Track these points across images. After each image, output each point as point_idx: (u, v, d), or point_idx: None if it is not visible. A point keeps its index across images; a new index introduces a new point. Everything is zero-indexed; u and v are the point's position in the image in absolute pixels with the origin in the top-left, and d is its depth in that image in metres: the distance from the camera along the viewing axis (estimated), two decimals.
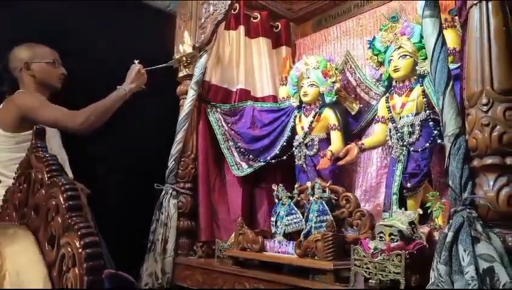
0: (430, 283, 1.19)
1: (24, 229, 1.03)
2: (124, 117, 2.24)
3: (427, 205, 1.67)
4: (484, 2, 1.22)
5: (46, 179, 1.01)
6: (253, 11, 2.86)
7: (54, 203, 0.94)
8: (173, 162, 2.39)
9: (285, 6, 2.97)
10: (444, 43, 1.34)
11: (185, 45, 2.43)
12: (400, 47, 2.00)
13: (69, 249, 0.84)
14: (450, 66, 1.34)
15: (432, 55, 1.33)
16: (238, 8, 2.72)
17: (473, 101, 1.22)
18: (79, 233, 0.81)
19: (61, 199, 0.91)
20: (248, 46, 2.79)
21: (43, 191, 1.02)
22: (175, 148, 2.39)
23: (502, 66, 1.18)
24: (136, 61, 2.14)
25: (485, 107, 1.18)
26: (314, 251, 1.63)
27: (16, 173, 1.27)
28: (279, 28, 2.98)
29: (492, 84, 1.18)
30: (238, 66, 2.71)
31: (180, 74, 2.55)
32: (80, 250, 0.79)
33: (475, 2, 1.25)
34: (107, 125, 2.04)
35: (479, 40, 1.23)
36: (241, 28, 2.75)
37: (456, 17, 1.85)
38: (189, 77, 2.51)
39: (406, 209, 1.74)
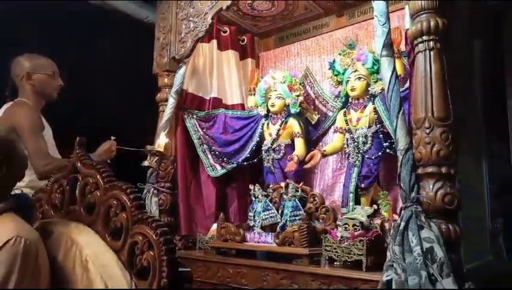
0: (387, 260, 1.58)
1: (81, 224, 1.26)
2: (110, 122, 2.45)
3: (379, 201, 2.09)
4: (428, 51, 1.64)
5: (102, 183, 1.25)
6: (223, 25, 3.15)
7: (115, 202, 1.20)
8: (154, 164, 2.62)
9: (252, 22, 3.27)
10: (396, 77, 1.74)
11: (159, 142, 2.55)
12: (355, 70, 2.41)
13: (140, 237, 1.11)
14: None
15: (388, 87, 1.72)
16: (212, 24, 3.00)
17: (419, 124, 1.64)
18: (153, 225, 1.08)
19: (127, 199, 1.16)
20: (219, 58, 3.08)
21: (99, 193, 1.26)
22: (155, 156, 2.62)
23: (439, 100, 1.60)
24: (113, 138, 2.30)
25: (428, 129, 1.60)
26: (292, 240, 1.98)
27: (52, 177, 1.48)
28: (245, 41, 3.29)
29: (433, 112, 1.60)
30: (211, 76, 2.99)
31: (161, 83, 2.78)
32: (156, 237, 1.06)
33: (421, 50, 1.66)
34: (95, 128, 2.22)
35: (423, 78, 1.65)
36: (214, 42, 3.04)
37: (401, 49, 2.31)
38: (168, 85, 2.75)
39: (359, 205, 2.16)
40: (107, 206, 1.22)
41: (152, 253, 1.07)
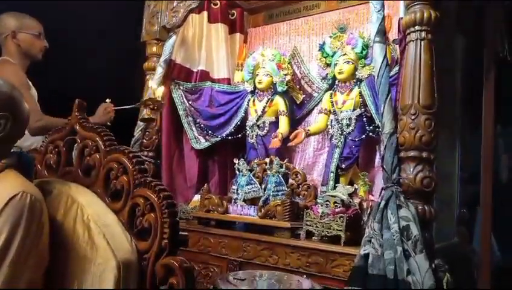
0: (365, 236, 1.68)
1: (79, 185, 1.28)
2: (96, 87, 2.43)
3: (359, 181, 2.19)
4: (419, 41, 1.72)
5: (103, 146, 1.28)
6: None
7: (116, 166, 1.23)
8: (139, 132, 2.63)
9: None
10: (387, 64, 1.82)
11: (152, 90, 2.38)
12: (345, 54, 2.47)
13: (142, 200, 1.15)
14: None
15: (378, 72, 1.80)
16: None
17: (405, 111, 1.72)
18: (156, 189, 1.12)
19: (129, 163, 1.20)
20: (208, 30, 3.06)
21: (98, 156, 1.28)
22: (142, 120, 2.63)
23: (426, 88, 1.69)
24: (108, 100, 2.29)
25: (413, 116, 1.69)
26: (274, 213, 2.07)
27: (46, 138, 1.48)
28: (235, 16, 3.28)
29: (419, 100, 1.69)
30: (200, 48, 2.99)
31: (149, 51, 2.76)
32: (159, 200, 1.11)
33: (413, 39, 1.74)
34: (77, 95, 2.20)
35: (412, 67, 1.73)
36: (205, 13, 3.02)
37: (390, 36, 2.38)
38: (157, 54, 2.74)
39: (338, 184, 2.27)
40: (107, 169, 1.25)
41: (154, 215, 1.11)
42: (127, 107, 2.37)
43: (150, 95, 2.32)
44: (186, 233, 1.67)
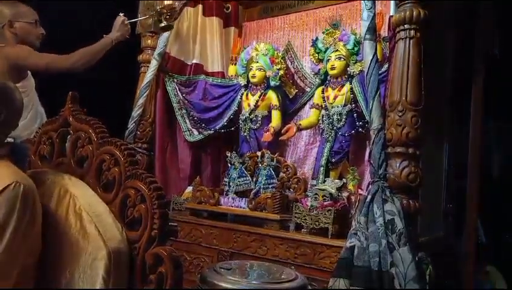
0: (351, 229, 1.73)
1: (73, 176, 1.32)
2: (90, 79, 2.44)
3: (347, 176, 2.24)
4: (408, 39, 1.75)
5: (96, 138, 1.31)
6: None
7: (108, 157, 1.26)
8: (133, 124, 2.66)
9: None
10: (376, 61, 1.85)
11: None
12: (337, 50, 2.50)
13: (133, 191, 1.18)
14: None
15: (368, 70, 1.83)
16: None
17: (392, 107, 1.76)
18: (147, 180, 1.16)
19: (120, 155, 1.23)
20: (203, 24, 3.08)
21: (91, 148, 1.31)
22: (136, 112, 2.66)
23: (413, 86, 1.73)
24: (121, 14, 2.34)
25: (400, 113, 1.73)
26: (264, 205, 2.11)
27: (39, 129, 1.51)
28: (230, 9, 3.29)
29: (407, 97, 1.73)
30: (194, 42, 3.01)
31: (144, 44, 2.78)
32: (149, 192, 1.14)
33: (402, 37, 1.77)
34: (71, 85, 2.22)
35: (401, 65, 1.77)
36: (200, 7, 3.03)
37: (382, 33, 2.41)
38: (151, 47, 2.76)
39: (328, 178, 2.31)
40: (99, 161, 1.28)
41: (144, 206, 1.15)
42: (142, 18, 2.40)
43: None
44: (176, 224, 1.69)
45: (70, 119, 1.39)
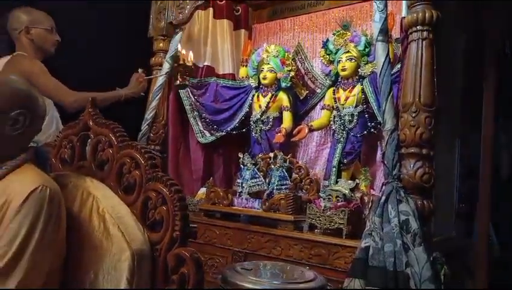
0: (366, 229, 1.74)
1: (94, 179, 1.35)
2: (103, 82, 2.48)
3: (360, 176, 2.25)
4: (420, 40, 1.76)
5: (116, 142, 1.34)
6: None
7: (129, 160, 1.29)
8: (146, 127, 2.69)
9: None
10: (389, 62, 1.87)
11: (182, 55, 2.39)
12: (348, 51, 2.52)
13: (154, 193, 1.21)
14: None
15: (381, 71, 1.85)
16: None
17: (406, 108, 1.78)
18: (168, 183, 1.18)
19: (141, 158, 1.26)
20: (214, 26, 3.11)
21: (111, 151, 1.34)
22: (149, 114, 2.69)
23: (427, 87, 1.74)
24: (140, 70, 2.36)
25: (414, 113, 1.74)
26: (278, 206, 2.13)
27: (60, 133, 1.54)
28: (240, 12, 3.32)
29: (420, 98, 1.74)
30: (205, 44, 3.03)
31: (156, 47, 2.81)
32: (170, 194, 1.17)
33: (415, 39, 1.78)
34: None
35: (414, 66, 1.78)
36: (210, 10, 3.06)
37: (392, 33, 2.42)
38: (163, 50, 2.79)
39: (340, 179, 2.33)
40: (120, 164, 1.31)
41: (165, 208, 1.17)
42: (158, 75, 2.42)
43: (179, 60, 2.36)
44: (196, 225, 1.72)
45: (91, 123, 1.42)
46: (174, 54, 2.72)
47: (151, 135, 2.72)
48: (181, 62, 2.30)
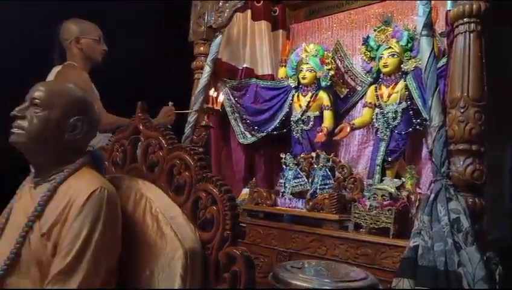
0: (414, 228, 1.71)
1: (146, 180, 1.40)
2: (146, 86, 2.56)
3: (406, 175, 2.21)
4: (468, 33, 1.71)
5: (166, 144, 1.38)
6: None
7: (179, 162, 1.33)
8: (189, 129, 2.76)
9: None
10: (434, 57, 1.82)
11: (212, 98, 2.54)
12: (389, 47, 2.47)
13: (204, 194, 1.24)
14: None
15: (426, 66, 1.81)
16: None
17: (453, 104, 1.73)
18: (217, 183, 1.21)
19: (191, 160, 1.29)
20: (252, 28, 3.14)
21: (161, 153, 1.39)
22: (192, 117, 2.75)
23: (475, 81, 1.69)
24: (170, 104, 2.44)
25: (462, 109, 1.69)
26: (322, 206, 2.13)
27: (112, 136, 1.62)
28: (277, 12, 3.33)
29: (468, 93, 1.69)
30: (244, 46, 3.08)
31: (196, 51, 2.88)
32: (220, 194, 1.20)
33: (461, 32, 1.73)
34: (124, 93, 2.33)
35: (461, 59, 1.73)
36: (248, 12, 3.10)
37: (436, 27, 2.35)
38: (204, 53, 2.85)
39: (385, 177, 2.29)
40: (170, 165, 1.35)
41: (216, 208, 1.20)
42: (187, 111, 2.50)
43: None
44: (244, 225, 1.75)
45: (141, 127, 1.48)
46: (214, 57, 2.78)
47: (194, 137, 2.78)
48: (209, 105, 2.46)
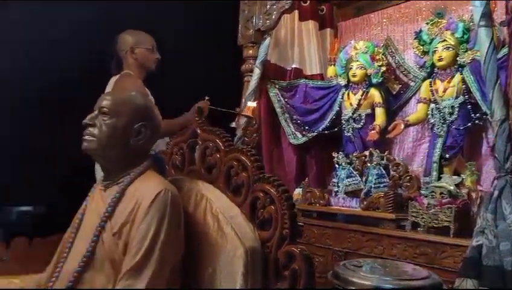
0: (477, 227, 1.65)
1: (205, 182, 1.45)
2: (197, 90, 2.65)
3: (466, 172, 2.12)
4: None
5: (223, 146, 1.43)
6: None
7: (236, 163, 1.37)
8: (241, 131, 2.81)
9: None
10: (494, 48, 1.74)
11: (247, 107, 2.74)
12: (444, 40, 2.39)
13: (262, 194, 1.28)
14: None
15: (485, 58, 1.73)
16: None
17: None
18: (275, 183, 1.24)
19: (248, 161, 1.33)
20: (299, 28, 3.14)
21: (219, 155, 1.44)
22: (243, 119, 2.81)
23: None
24: (206, 98, 2.48)
25: None
26: (377, 205, 2.10)
27: (170, 141, 1.69)
28: (324, 11, 3.32)
29: None
30: (292, 47, 3.09)
31: (245, 54, 2.93)
32: (278, 194, 1.22)
33: None
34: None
35: None
36: (296, 12, 3.11)
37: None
38: (253, 56, 2.90)
39: (443, 174, 2.22)
40: (228, 167, 1.39)
41: (274, 207, 1.23)
42: (222, 110, 2.56)
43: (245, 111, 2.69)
44: (302, 224, 1.77)
45: (198, 130, 1.54)
46: (263, 60, 2.82)
47: (246, 138, 2.83)
48: (245, 113, 2.67)
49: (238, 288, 1.15)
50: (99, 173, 1.91)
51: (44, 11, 2.90)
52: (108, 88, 2.38)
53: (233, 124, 2.66)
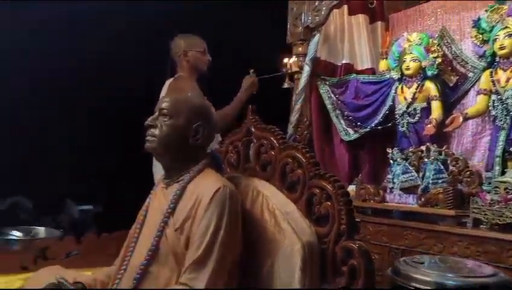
0: None
1: (261, 179, 1.48)
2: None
3: None
4: None
5: (277, 144, 1.45)
6: None
7: (291, 160, 1.39)
8: (292, 129, 2.83)
9: None
10: None
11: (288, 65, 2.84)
12: (506, 27, 2.27)
13: (318, 190, 1.28)
14: None
15: None
16: None
17: None
18: (331, 179, 1.25)
19: (303, 158, 1.34)
20: (349, 23, 3.10)
21: (274, 153, 1.46)
22: (293, 117, 2.82)
23: None
24: (251, 71, 2.54)
25: None
26: (436, 201, 2.03)
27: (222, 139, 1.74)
28: (374, 4, 3.24)
29: None
30: (342, 42, 3.05)
31: (295, 52, 2.94)
32: (334, 190, 1.23)
33: None
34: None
35: None
36: (345, 7, 3.07)
37: None
38: (302, 54, 2.90)
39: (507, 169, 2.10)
40: (283, 164, 1.42)
41: (330, 203, 1.24)
42: (268, 76, 2.65)
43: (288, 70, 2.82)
44: (359, 220, 1.76)
45: (252, 129, 1.57)
46: (313, 56, 2.81)
47: (297, 136, 2.84)
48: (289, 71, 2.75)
49: (296, 288, 1.17)
50: (158, 171, 2.01)
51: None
52: (164, 90, 2.48)
53: (286, 85, 2.69)
